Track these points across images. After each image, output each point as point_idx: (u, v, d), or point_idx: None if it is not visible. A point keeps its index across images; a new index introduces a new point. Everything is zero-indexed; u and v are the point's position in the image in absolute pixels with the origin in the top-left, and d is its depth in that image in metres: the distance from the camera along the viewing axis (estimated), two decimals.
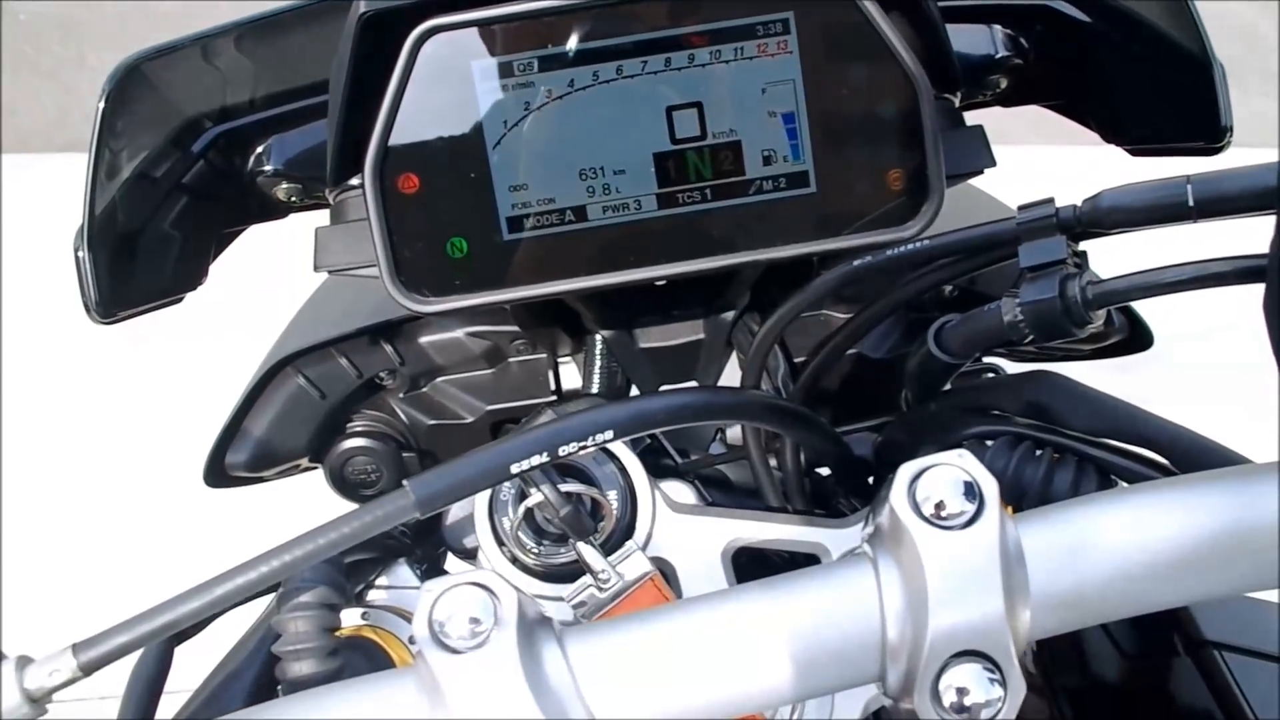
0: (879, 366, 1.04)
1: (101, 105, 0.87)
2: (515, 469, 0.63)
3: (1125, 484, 0.73)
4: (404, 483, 0.62)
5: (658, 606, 0.60)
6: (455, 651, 0.55)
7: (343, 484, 1.09)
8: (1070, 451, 0.74)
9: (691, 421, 0.72)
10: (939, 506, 0.56)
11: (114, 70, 0.87)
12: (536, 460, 0.64)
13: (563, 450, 0.64)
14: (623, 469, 0.83)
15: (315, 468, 1.11)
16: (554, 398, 1.08)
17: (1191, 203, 0.65)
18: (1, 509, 3.05)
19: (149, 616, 0.60)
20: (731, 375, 1.03)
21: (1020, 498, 0.73)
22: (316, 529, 0.60)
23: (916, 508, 0.57)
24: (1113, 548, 0.57)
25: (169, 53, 0.89)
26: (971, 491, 0.57)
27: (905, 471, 0.58)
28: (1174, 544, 0.56)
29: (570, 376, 1.09)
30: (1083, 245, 0.73)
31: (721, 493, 0.97)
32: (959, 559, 0.55)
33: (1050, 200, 0.71)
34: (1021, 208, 0.72)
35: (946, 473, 0.57)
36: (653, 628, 0.58)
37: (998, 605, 0.54)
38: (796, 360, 1.04)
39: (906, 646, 0.56)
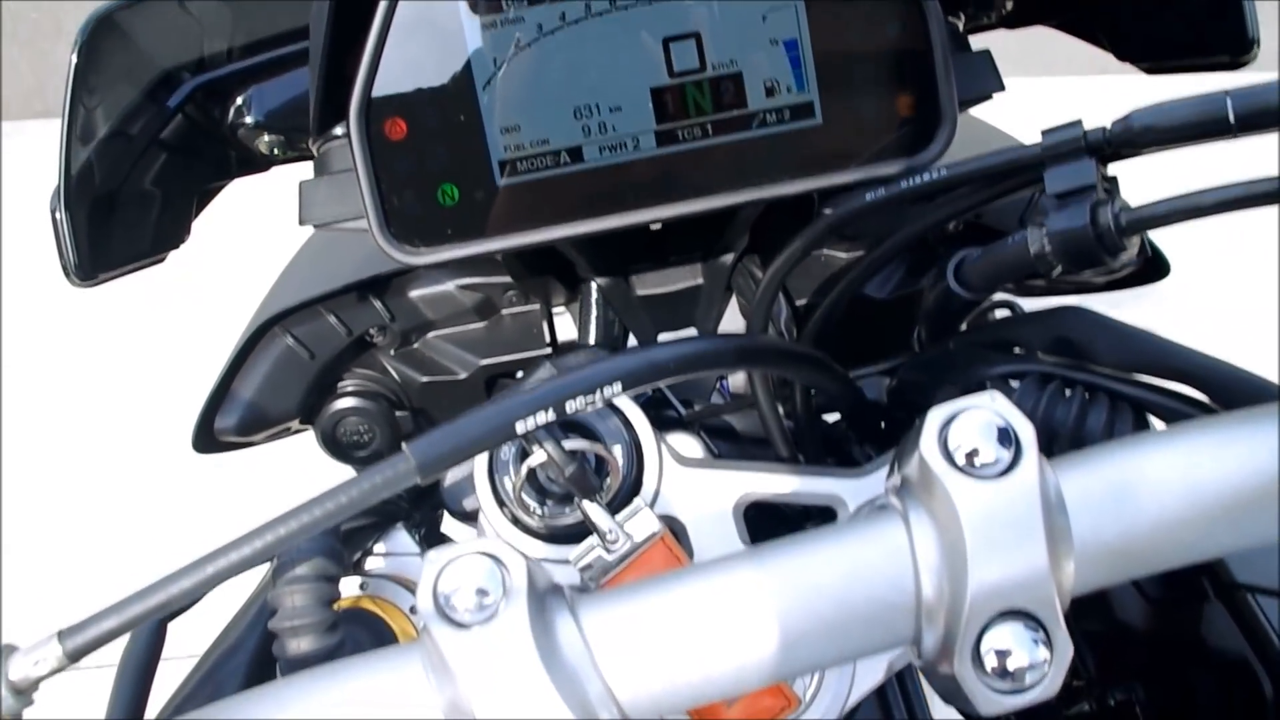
0: (883, 306, 1.00)
1: (74, 59, 0.83)
2: (520, 427, 0.59)
3: (1163, 423, 0.70)
4: (403, 446, 0.58)
5: (674, 571, 0.56)
6: (463, 626, 0.52)
7: (335, 445, 1.06)
8: (1102, 389, 0.71)
9: (704, 370, 0.68)
10: (972, 454, 0.53)
11: (85, 21, 0.83)
12: (542, 417, 0.60)
13: (569, 406, 0.61)
14: (627, 423, 0.79)
15: (306, 429, 1.07)
16: (549, 350, 1.04)
17: (1233, 118, 0.61)
18: (1, 494, 3.03)
19: (138, 598, 0.56)
20: (731, 321, 1.00)
21: (1051, 440, 0.70)
22: (313, 500, 0.56)
23: (949, 456, 0.53)
24: (1160, 492, 0.53)
25: (142, 1, 0.85)
26: (1006, 437, 0.53)
27: (934, 417, 0.54)
28: (1226, 486, 0.53)
29: (565, 328, 1.06)
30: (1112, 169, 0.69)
31: (728, 443, 0.94)
32: (998, 509, 0.51)
33: (1077, 122, 0.67)
34: (1046, 131, 0.68)
35: (978, 417, 0.54)
36: (670, 595, 0.54)
37: (1041, 558, 0.51)
38: (798, 302, 1.00)
39: (945, 606, 0.52)
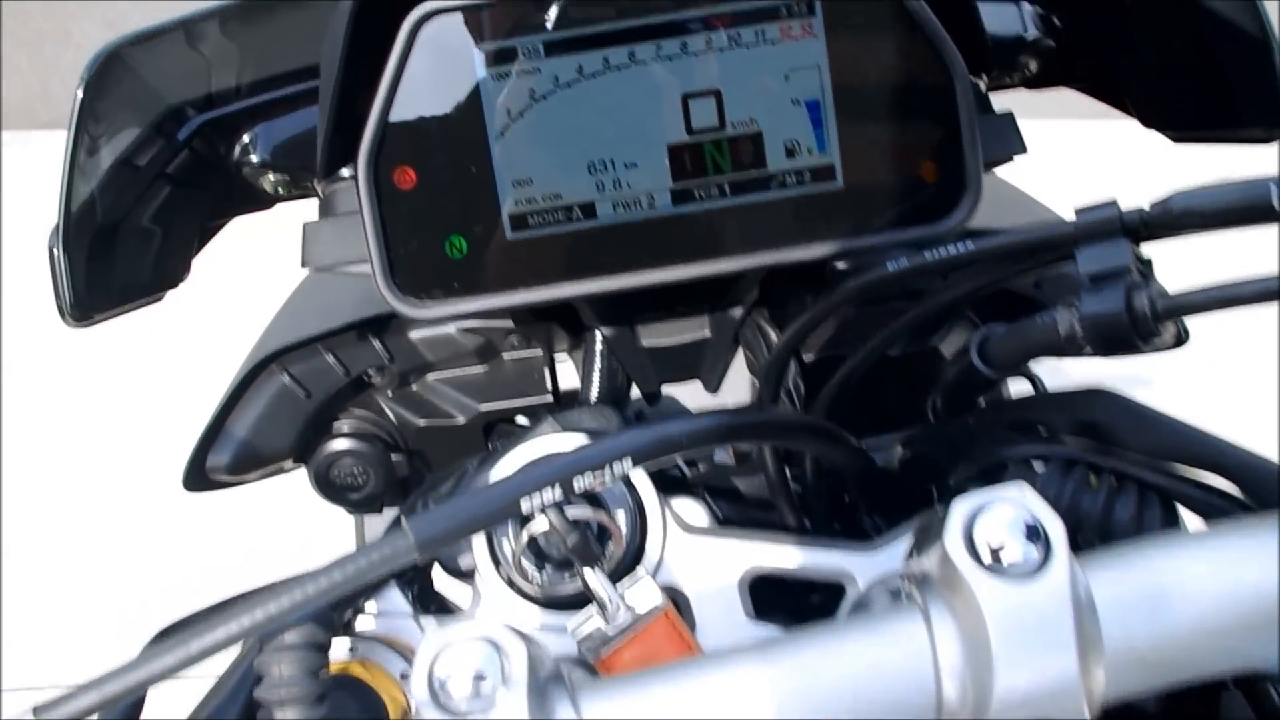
0: (896, 363, 0.98)
1: (80, 94, 0.81)
2: (526, 505, 0.57)
3: (1193, 515, 0.67)
4: (403, 521, 0.56)
5: (681, 662, 0.54)
6: (458, 715, 0.49)
7: (328, 487, 1.04)
8: (1130, 478, 0.68)
9: (716, 444, 0.66)
10: (998, 550, 0.51)
11: (93, 57, 0.81)
12: (549, 495, 0.58)
13: (577, 483, 0.58)
14: (631, 486, 0.77)
15: (299, 468, 1.05)
16: (550, 397, 1.02)
17: (1278, 204, 0.59)
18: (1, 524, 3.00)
19: (118, 674, 0.54)
20: (736, 373, 0.97)
21: (1076, 530, 0.67)
22: (305, 575, 0.54)
23: (974, 552, 0.51)
24: (1197, 598, 0.51)
25: (151, 38, 0.84)
26: (1035, 533, 0.51)
27: (959, 511, 0.52)
28: (1267, 594, 0.51)
29: (567, 373, 1.03)
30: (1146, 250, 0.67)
31: (732, 505, 0.91)
32: (1027, 613, 0.49)
33: (1113, 202, 0.64)
34: (1080, 210, 0.65)
35: (1006, 512, 0.52)
36: (677, 689, 0.52)
37: (1071, 666, 0.49)
38: (807, 357, 0.98)
39: (968, 712, 0.50)
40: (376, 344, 0.98)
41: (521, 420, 1.05)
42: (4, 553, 2.95)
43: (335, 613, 0.75)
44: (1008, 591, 0.49)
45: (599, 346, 0.94)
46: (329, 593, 0.54)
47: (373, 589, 0.82)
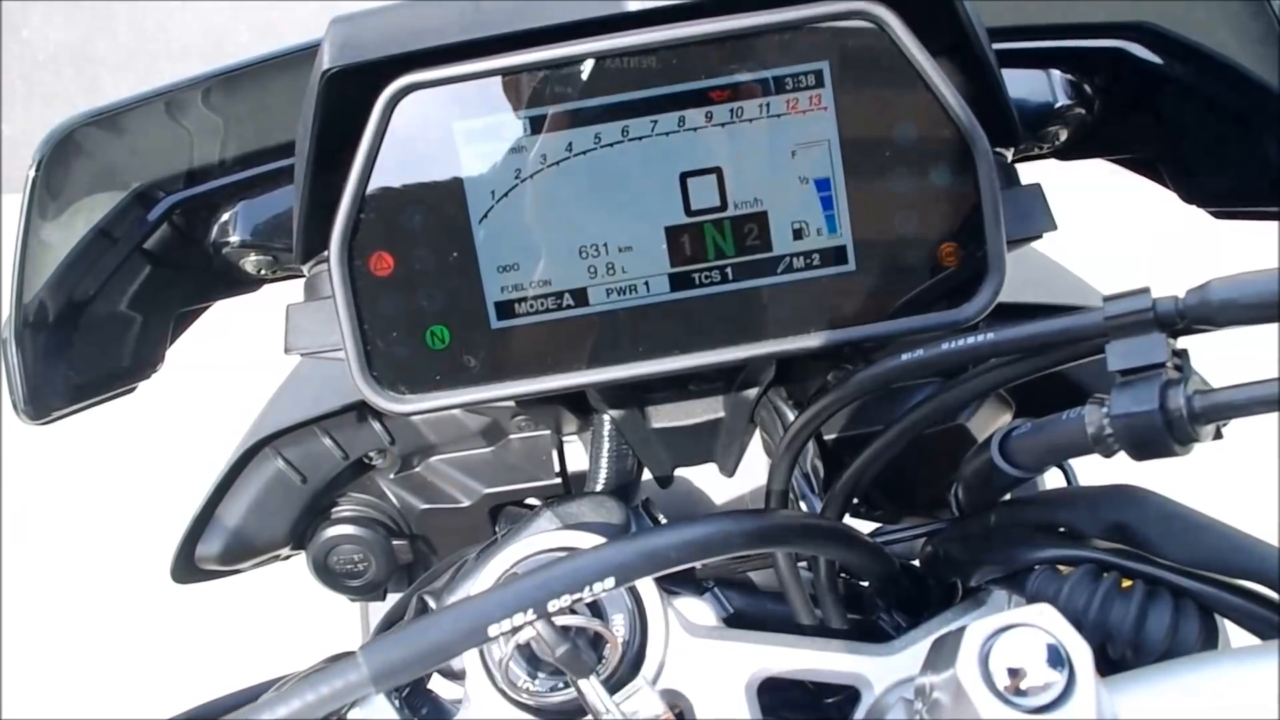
0: (915, 442, 0.93)
1: (32, 173, 0.78)
2: (494, 630, 0.53)
3: (1233, 626, 0.62)
4: (356, 652, 0.51)
5: None
6: None
7: (327, 574, 1.01)
8: (1164, 584, 0.62)
9: (713, 556, 0.61)
10: (1017, 675, 0.47)
11: (48, 134, 0.77)
12: (520, 619, 0.53)
13: (553, 605, 0.54)
14: (631, 586, 0.72)
15: (297, 555, 1.01)
16: (558, 480, 0.98)
17: None
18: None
19: None
20: (754, 455, 0.93)
21: (1105, 643, 0.62)
22: (249, 708, 0.50)
23: (989, 680, 0.47)
24: None
25: (112, 115, 0.80)
26: (1058, 658, 0.47)
27: (974, 635, 0.48)
28: None
29: (577, 454, 0.99)
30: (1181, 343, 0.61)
31: (743, 597, 0.87)
32: None
33: (1145, 290, 0.59)
34: (1109, 299, 0.60)
35: (1027, 637, 0.48)
36: None
37: None
38: (826, 437, 0.93)
39: None
40: (377, 426, 0.95)
41: (532, 501, 1.01)
42: None
43: None
44: None
45: (607, 429, 0.90)
46: None
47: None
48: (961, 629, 0.49)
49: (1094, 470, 0.75)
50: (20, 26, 4.99)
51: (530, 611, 0.54)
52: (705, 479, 0.96)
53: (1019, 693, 0.46)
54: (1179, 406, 0.56)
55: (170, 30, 4.91)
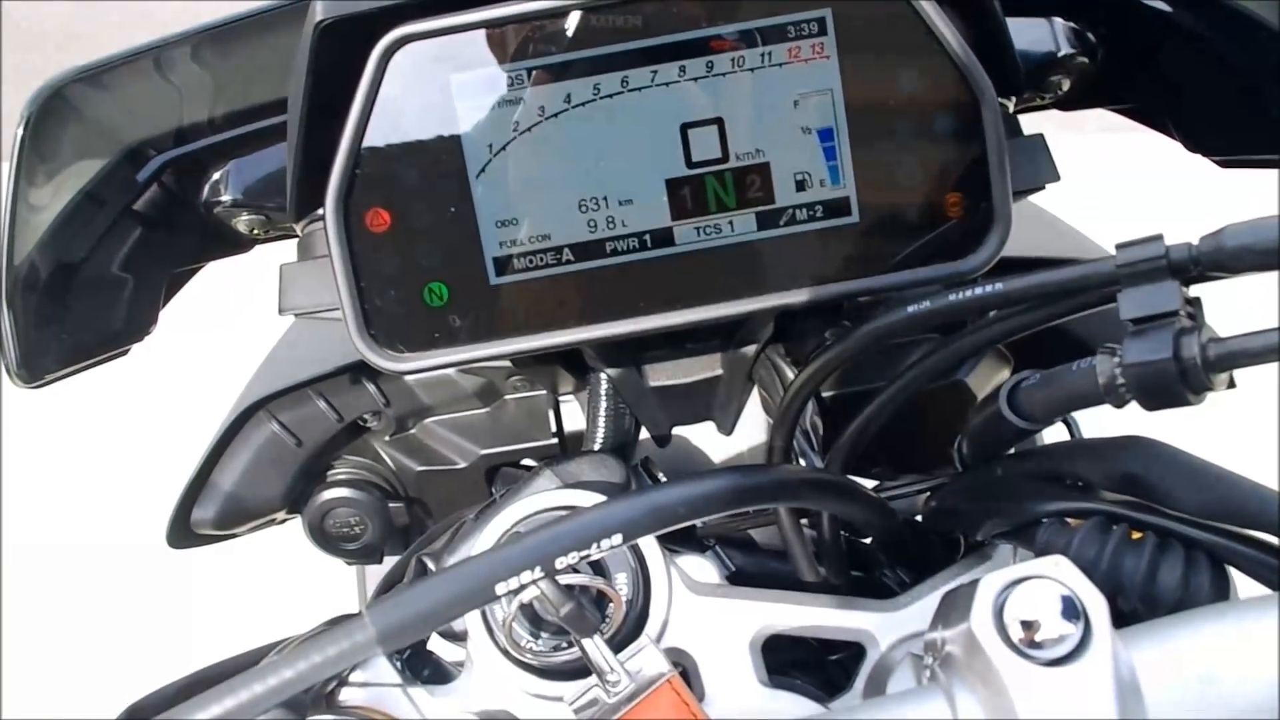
0: (916, 399, 0.92)
1: (20, 132, 0.76)
2: (502, 588, 0.52)
3: (1244, 577, 0.61)
4: (363, 611, 0.51)
5: None
6: None
7: (323, 537, 1.01)
8: (1174, 535, 0.62)
9: (719, 512, 0.60)
10: (1031, 627, 0.46)
11: (36, 92, 0.76)
12: (527, 577, 0.52)
13: (559, 562, 0.53)
14: (633, 545, 0.71)
15: (293, 518, 1.00)
16: (555, 440, 0.97)
17: None
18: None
19: None
20: (752, 413, 0.92)
21: (1116, 595, 0.61)
22: (255, 671, 0.49)
23: (1004, 633, 0.46)
24: (1254, 679, 0.46)
25: (100, 72, 0.78)
26: (1073, 610, 0.46)
27: (987, 589, 0.47)
28: None
29: (573, 414, 0.99)
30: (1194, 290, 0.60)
31: (745, 555, 0.86)
32: (1063, 701, 0.45)
33: (1158, 238, 0.58)
34: (1121, 246, 0.59)
35: (1041, 590, 0.47)
36: None
37: None
38: (825, 394, 0.92)
39: None
40: (371, 387, 0.94)
41: (528, 462, 1.00)
42: None
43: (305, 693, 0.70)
44: (1042, 676, 0.45)
45: (604, 388, 0.89)
46: (280, 691, 0.49)
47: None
48: (974, 582, 0.49)
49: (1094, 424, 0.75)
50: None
51: (537, 569, 0.53)
52: (703, 438, 0.95)
53: (1034, 645, 0.46)
54: (1193, 355, 0.55)
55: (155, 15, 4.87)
